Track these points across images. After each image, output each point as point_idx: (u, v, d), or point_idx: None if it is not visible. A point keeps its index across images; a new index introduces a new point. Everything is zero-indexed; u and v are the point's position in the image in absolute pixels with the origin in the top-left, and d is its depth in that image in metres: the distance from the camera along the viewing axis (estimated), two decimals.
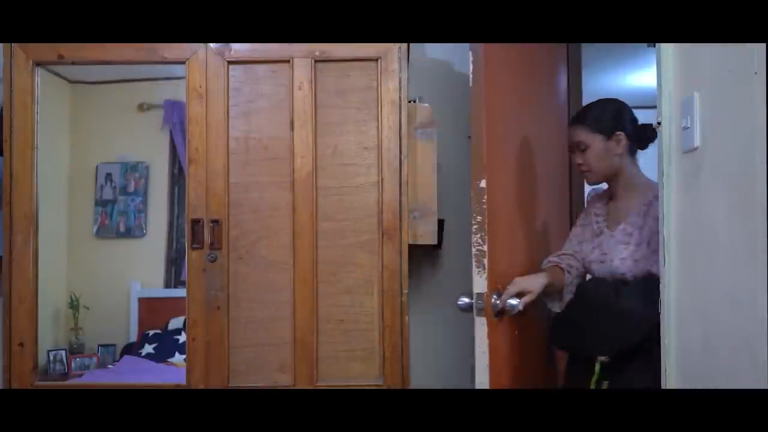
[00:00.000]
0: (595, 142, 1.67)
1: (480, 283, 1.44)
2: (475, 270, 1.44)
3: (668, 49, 1.31)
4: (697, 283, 1.24)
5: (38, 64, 2.05)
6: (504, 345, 1.59)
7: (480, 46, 1.47)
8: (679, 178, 1.29)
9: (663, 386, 1.32)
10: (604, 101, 1.76)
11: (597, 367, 1.59)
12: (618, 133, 1.66)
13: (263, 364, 2.00)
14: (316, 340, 1.99)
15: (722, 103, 1.14)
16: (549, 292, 1.64)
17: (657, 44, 1.34)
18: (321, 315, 1.99)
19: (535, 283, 1.55)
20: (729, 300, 1.12)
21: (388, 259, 1.98)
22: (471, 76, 1.48)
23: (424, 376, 2.38)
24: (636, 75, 3.86)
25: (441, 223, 2.22)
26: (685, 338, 1.28)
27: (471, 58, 1.47)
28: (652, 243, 1.56)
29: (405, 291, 1.97)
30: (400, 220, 1.98)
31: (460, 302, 1.47)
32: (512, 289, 1.51)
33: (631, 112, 1.73)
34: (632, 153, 1.70)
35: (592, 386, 1.59)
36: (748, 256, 1.05)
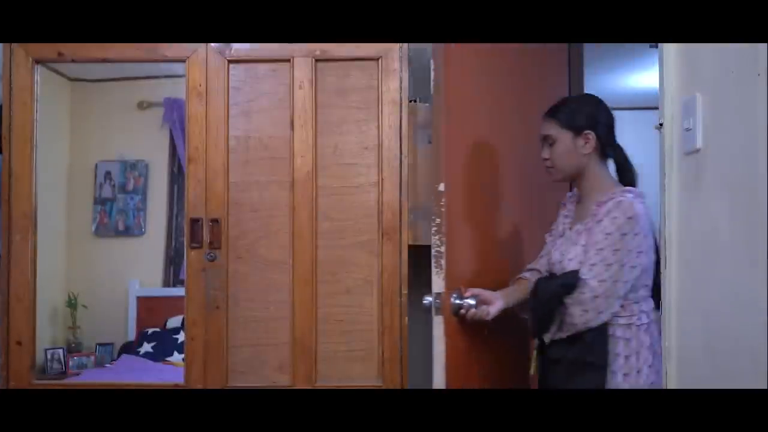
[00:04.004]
0: (562, 137, 1.61)
1: (438, 283, 1.48)
2: (434, 270, 1.48)
3: (670, 49, 1.31)
4: (698, 284, 1.23)
5: (38, 61, 2.05)
6: (470, 345, 1.61)
7: (442, 48, 1.50)
8: (681, 180, 1.28)
9: (663, 386, 1.32)
10: (583, 97, 1.69)
11: (535, 352, 1.65)
12: (587, 132, 1.59)
13: (262, 364, 1.99)
14: (315, 341, 1.98)
15: (725, 104, 1.14)
16: (522, 305, 1.65)
17: (659, 44, 1.34)
18: (320, 315, 1.99)
19: (492, 308, 1.56)
20: (730, 301, 1.11)
21: (388, 259, 1.97)
22: (432, 80, 1.51)
23: (422, 377, 2.37)
24: (638, 76, 3.85)
25: None
26: (686, 338, 1.28)
27: (432, 65, 1.51)
28: (589, 245, 1.54)
29: (404, 292, 1.97)
30: (400, 221, 1.97)
31: (425, 301, 1.49)
32: (471, 298, 1.55)
33: (609, 115, 1.65)
34: (603, 155, 1.64)
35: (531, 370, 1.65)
36: (750, 257, 1.04)
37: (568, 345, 1.54)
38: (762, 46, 1.00)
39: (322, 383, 1.98)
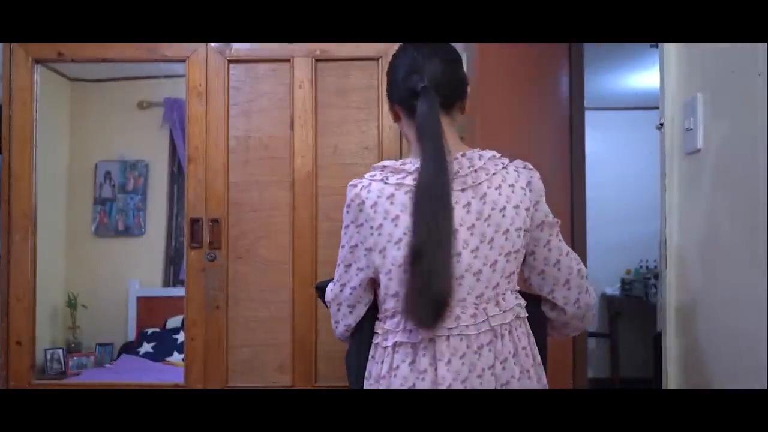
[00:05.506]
0: None
1: None
2: None
3: (671, 49, 1.31)
4: (698, 284, 1.23)
5: (38, 61, 2.05)
6: None
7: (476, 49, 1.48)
8: (681, 180, 1.28)
9: (663, 386, 1.32)
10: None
11: None
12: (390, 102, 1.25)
13: (262, 364, 1.99)
14: (315, 341, 1.98)
15: (725, 104, 1.14)
16: None
17: (660, 44, 1.34)
18: (320, 315, 1.98)
19: None
20: (730, 301, 1.12)
21: None
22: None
23: None
24: (638, 76, 3.84)
25: None
26: (686, 339, 1.28)
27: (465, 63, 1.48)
28: None
29: None
30: None
31: None
32: None
33: (393, 68, 1.22)
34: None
35: None
36: (750, 257, 1.04)
37: None
38: (762, 46, 1.00)
39: (322, 383, 1.98)
